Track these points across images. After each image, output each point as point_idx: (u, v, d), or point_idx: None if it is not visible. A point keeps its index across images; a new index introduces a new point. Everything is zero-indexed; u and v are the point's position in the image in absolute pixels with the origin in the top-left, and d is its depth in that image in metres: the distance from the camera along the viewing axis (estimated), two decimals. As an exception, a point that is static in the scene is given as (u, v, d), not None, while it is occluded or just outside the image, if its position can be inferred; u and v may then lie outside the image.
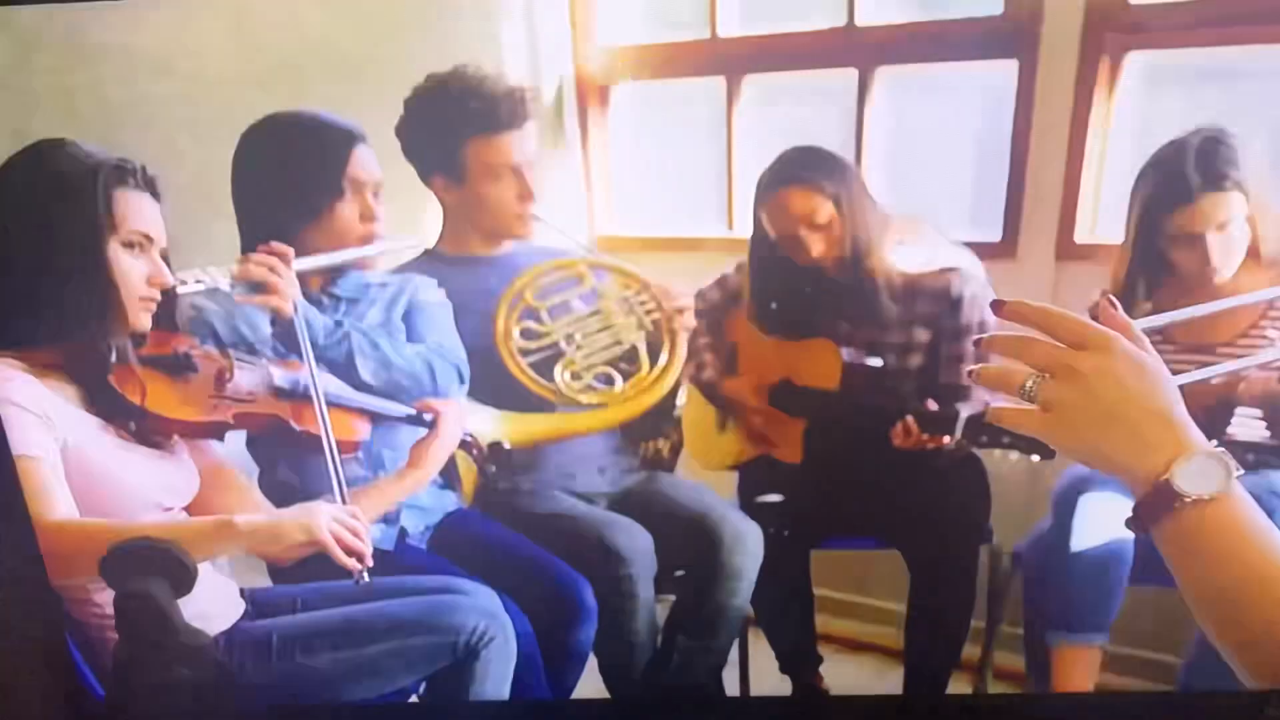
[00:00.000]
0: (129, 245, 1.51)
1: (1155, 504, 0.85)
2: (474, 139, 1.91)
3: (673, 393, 2.08)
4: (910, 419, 1.92)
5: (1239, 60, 1.97)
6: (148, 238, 1.52)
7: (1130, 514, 0.89)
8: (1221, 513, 0.84)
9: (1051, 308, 0.91)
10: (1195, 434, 0.87)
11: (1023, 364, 0.91)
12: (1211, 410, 1.86)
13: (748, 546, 1.99)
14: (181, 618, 1.38)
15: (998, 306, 0.96)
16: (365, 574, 1.54)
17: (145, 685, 1.41)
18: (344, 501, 1.59)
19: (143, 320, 1.55)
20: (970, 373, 0.95)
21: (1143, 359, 0.88)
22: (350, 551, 1.52)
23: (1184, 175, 1.80)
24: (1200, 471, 0.84)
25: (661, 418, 2.14)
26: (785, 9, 2.20)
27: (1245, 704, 0.87)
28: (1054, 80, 2.01)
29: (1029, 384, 0.90)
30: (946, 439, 1.91)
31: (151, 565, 1.35)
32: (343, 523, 1.52)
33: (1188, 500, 0.83)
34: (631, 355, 2.03)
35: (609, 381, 2.01)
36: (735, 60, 2.23)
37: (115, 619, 1.37)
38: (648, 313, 2.02)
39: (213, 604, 1.60)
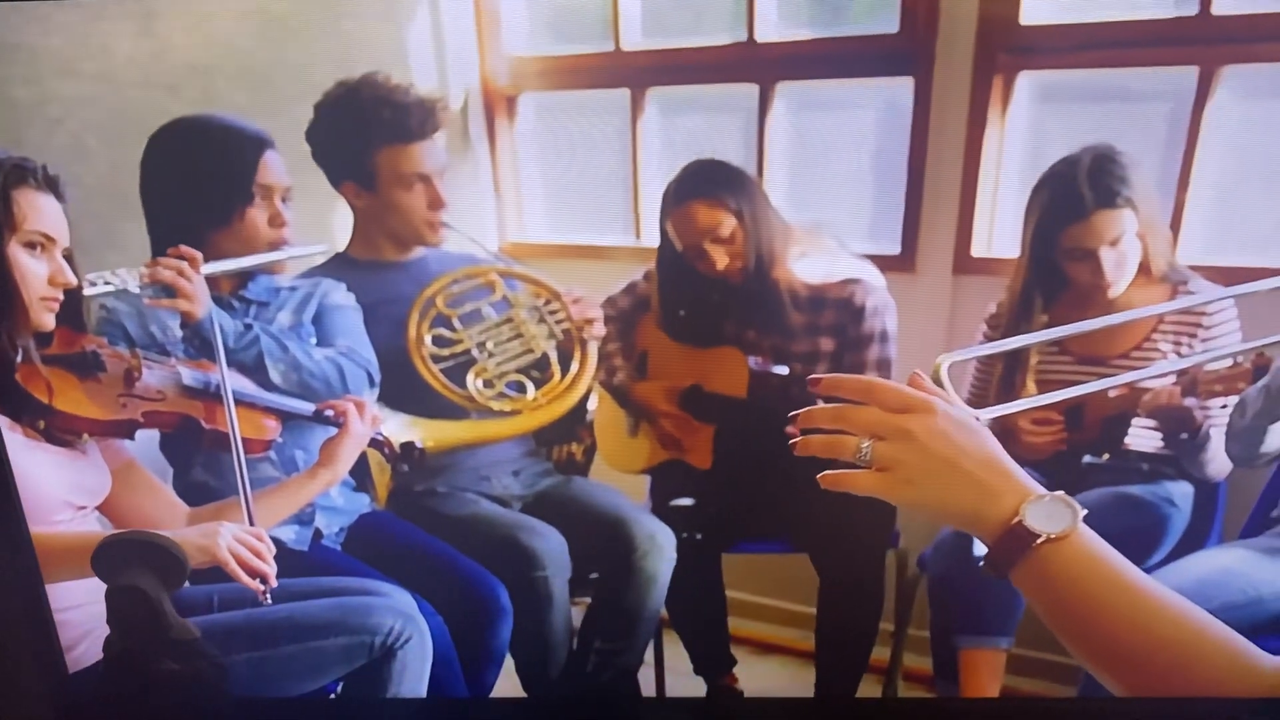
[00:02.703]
0: (29, 245, 1.53)
1: (1010, 546, 0.90)
2: (386, 147, 1.98)
3: (584, 399, 2.15)
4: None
5: (1126, 81, 2.08)
6: (49, 238, 1.54)
7: (984, 561, 0.93)
8: (1072, 549, 0.89)
9: (869, 379, 0.97)
10: (1031, 481, 0.93)
11: (850, 431, 0.95)
12: (1109, 421, 1.98)
13: (661, 550, 2.06)
14: (173, 612, 1.40)
15: (814, 384, 1.01)
16: (268, 595, 1.57)
17: (134, 679, 1.42)
18: (249, 516, 1.63)
19: (45, 320, 1.57)
20: (793, 445, 0.98)
21: (964, 417, 0.94)
22: (253, 572, 1.54)
23: (1077, 192, 1.89)
24: (1049, 513, 0.89)
25: (574, 422, 2.22)
26: (686, 24, 2.30)
27: (1217, 709, 0.92)
28: (949, 97, 2.11)
29: (863, 447, 0.94)
30: None
31: (142, 559, 1.38)
32: (244, 543, 1.55)
33: (1040, 539, 0.88)
34: (543, 363, 2.10)
35: (521, 389, 2.09)
36: (639, 73, 2.33)
37: (106, 613, 1.39)
38: (558, 322, 2.11)
39: (128, 603, 1.62)
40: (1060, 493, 0.90)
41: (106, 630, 1.45)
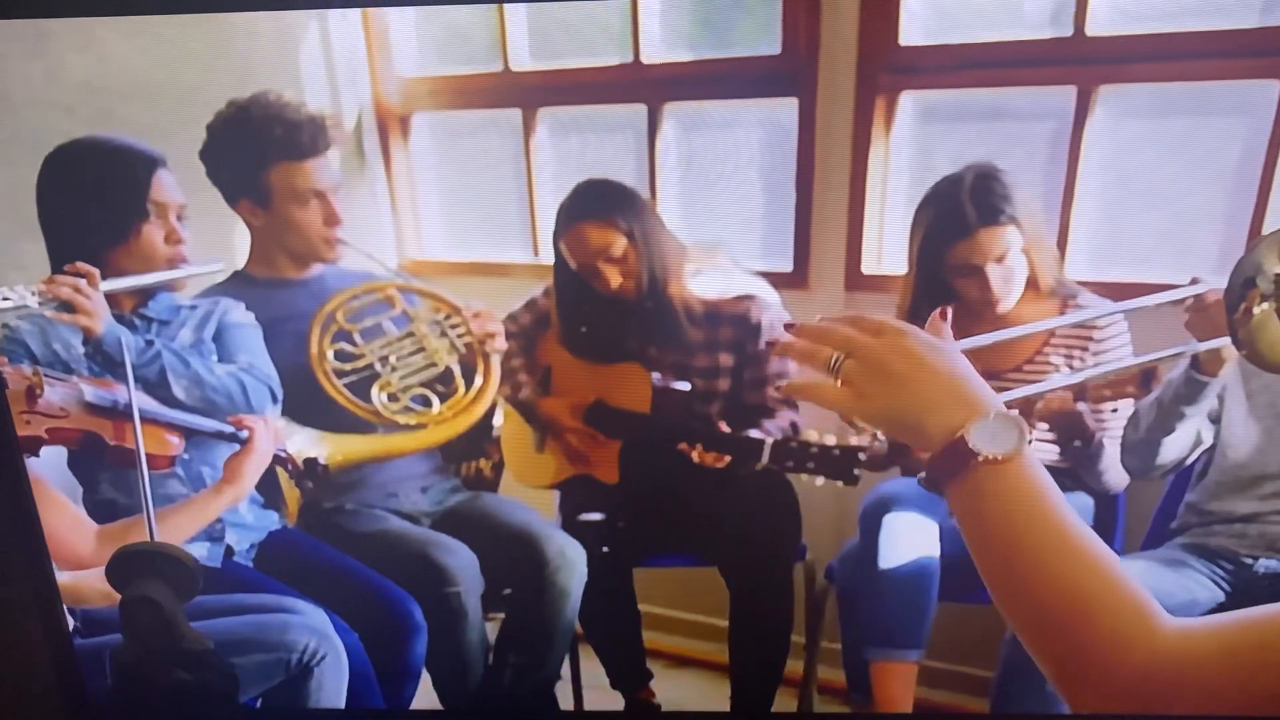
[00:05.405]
0: None
1: (948, 461, 0.93)
2: (278, 164, 2.08)
3: (490, 413, 2.25)
4: (700, 445, 2.12)
5: (1007, 100, 2.17)
6: None
7: (923, 475, 0.98)
8: (1013, 474, 0.91)
9: (855, 314, 1.04)
10: (990, 398, 0.96)
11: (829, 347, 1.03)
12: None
13: (572, 565, 2.16)
14: (186, 623, 1.47)
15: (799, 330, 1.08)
16: None
17: (147, 689, 1.47)
18: (151, 534, 1.70)
19: None
20: (773, 344, 1.09)
21: (936, 340, 0.99)
22: None
23: (961, 210, 1.98)
24: (994, 432, 0.91)
25: (481, 437, 2.31)
26: (573, 45, 2.39)
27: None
28: (833, 117, 2.21)
29: (835, 358, 1.01)
30: (728, 458, 2.10)
31: (156, 570, 1.45)
32: None
33: (980, 459, 0.91)
34: (447, 377, 2.21)
35: (426, 403, 2.19)
36: (529, 93, 2.42)
37: (120, 623, 1.45)
38: (459, 336, 2.21)
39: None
40: (1014, 412, 0.93)
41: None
